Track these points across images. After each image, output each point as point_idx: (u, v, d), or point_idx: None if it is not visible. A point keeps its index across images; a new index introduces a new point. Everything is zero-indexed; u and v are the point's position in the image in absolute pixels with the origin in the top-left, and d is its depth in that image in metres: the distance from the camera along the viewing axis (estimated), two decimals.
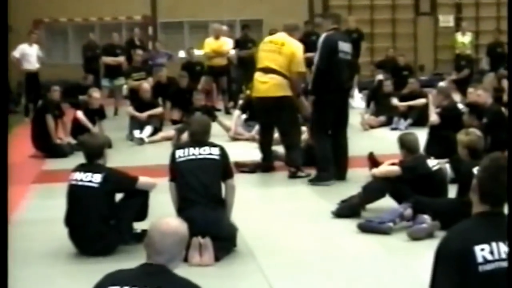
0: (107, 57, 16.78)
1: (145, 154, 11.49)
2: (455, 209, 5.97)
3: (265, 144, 9.58)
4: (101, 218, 6.07)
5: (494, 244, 2.93)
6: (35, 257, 6.14)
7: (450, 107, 9.95)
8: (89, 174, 6.11)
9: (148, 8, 21.43)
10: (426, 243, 6.10)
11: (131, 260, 5.84)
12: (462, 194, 6.34)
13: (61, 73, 18.46)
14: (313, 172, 8.90)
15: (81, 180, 6.10)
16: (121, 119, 14.42)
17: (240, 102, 13.60)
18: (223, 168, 6.16)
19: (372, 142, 11.19)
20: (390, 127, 13.27)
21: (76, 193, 6.13)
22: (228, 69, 16.26)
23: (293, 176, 9.10)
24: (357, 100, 16.72)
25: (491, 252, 2.92)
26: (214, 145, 6.23)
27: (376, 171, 7.19)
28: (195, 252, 5.74)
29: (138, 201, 6.28)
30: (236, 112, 12.77)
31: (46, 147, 11.14)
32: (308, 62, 10.11)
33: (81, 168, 6.24)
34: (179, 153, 6.17)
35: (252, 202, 7.94)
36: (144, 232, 5.55)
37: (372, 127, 13.42)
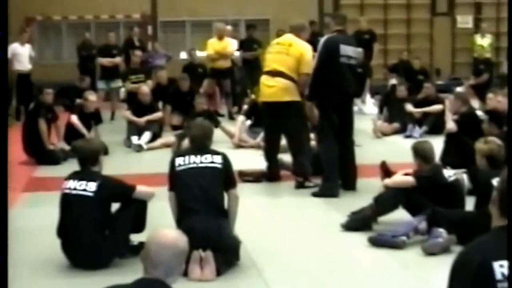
0: (103, 57, 16.79)
1: (143, 162, 11.50)
2: (473, 222, 5.96)
3: (270, 151, 9.58)
4: (96, 229, 6.07)
5: None
6: (24, 269, 6.13)
7: (468, 114, 9.94)
8: (83, 182, 6.11)
9: (148, 5, 21.48)
10: (441, 258, 6.08)
11: (126, 274, 5.84)
12: (480, 207, 6.34)
13: (54, 74, 18.53)
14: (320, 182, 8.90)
15: (75, 189, 6.10)
16: (118, 124, 14.44)
17: (245, 107, 13.62)
18: (226, 177, 6.16)
19: (385, 150, 11.19)
20: (403, 134, 13.27)
21: (69, 202, 6.12)
22: (232, 72, 16.28)
23: (300, 186, 9.10)
24: (369, 106, 16.75)
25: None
26: (217, 153, 6.24)
27: (389, 181, 7.18)
28: (195, 265, 5.74)
29: (135, 212, 6.26)
30: (241, 118, 12.77)
31: (38, 152, 11.14)
32: None
33: (75, 175, 6.24)
34: (179, 161, 6.18)
35: (256, 213, 7.94)
36: (141, 244, 5.55)
37: (384, 134, 13.42)
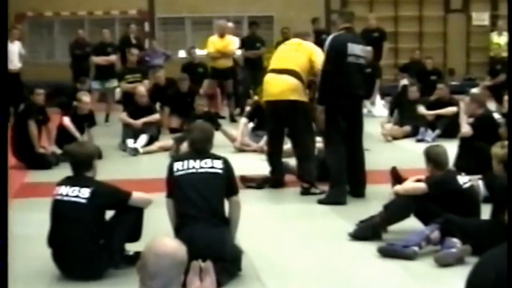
0: (97, 56, 16.76)
1: (139, 166, 11.52)
2: (489, 231, 5.96)
3: (274, 155, 9.58)
4: (89, 237, 6.06)
5: None
6: (13, 279, 6.12)
7: (484, 116, 9.95)
8: (76, 188, 6.10)
9: (145, 1, 21.50)
10: (455, 269, 6.08)
11: (121, 285, 5.85)
12: (496, 215, 6.34)
13: (46, 73, 18.57)
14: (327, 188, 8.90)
15: (67, 195, 6.09)
16: (113, 126, 14.47)
17: (247, 108, 13.63)
18: (227, 183, 6.16)
19: (395, 155, 11.20)
20: (415, 138, 13.26)
21: (61, 210, 6.11)
22: (234, 72, 16.29)
23: (306, 192, 9.10)
24: (379, 108, 16.75)
25: None
26: (217, 157, 6.24)
27: (400, 188, 7.18)
28: (195, 276, 5.73)
29: (131, 219, 6.26)
30: (243, 120, 12.78)
31: (28, 156, 11.14)
32: None
33: (67, 181, 6.23)
34: (177, 165, 6.17)
35: (259, 221, 7.94)
36: (137, 254, 5.55)
37: (395, 138, 13.41)
